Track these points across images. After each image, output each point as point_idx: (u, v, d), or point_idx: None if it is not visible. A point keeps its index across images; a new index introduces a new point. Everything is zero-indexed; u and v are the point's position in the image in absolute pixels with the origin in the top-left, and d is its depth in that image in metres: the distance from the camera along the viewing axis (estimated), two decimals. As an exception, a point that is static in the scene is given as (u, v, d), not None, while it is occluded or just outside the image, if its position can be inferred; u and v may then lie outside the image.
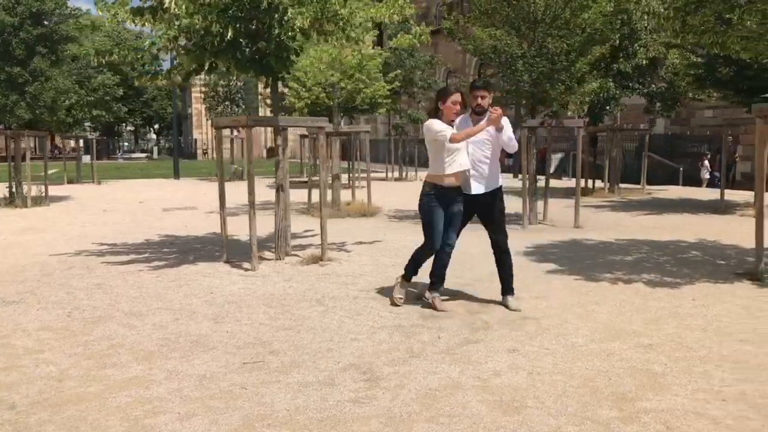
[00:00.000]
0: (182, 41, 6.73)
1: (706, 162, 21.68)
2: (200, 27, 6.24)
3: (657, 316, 5.06)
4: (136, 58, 6.93)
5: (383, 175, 25.00)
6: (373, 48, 16.44)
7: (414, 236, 9.30)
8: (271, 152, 22.88)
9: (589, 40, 9.95)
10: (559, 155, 22.21)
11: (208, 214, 12.97)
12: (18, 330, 4.87)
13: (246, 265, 7.13)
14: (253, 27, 6.64)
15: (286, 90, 20.14)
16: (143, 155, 68.87)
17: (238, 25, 6.47)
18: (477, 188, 5.18)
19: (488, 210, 5.27)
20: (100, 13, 6.60)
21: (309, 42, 7.40)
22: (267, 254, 7.74)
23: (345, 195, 13.66)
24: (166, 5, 5.89)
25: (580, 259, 7.49)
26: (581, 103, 13.42)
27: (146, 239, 9.55)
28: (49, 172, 20.87)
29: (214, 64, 6.95)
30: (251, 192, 6.91)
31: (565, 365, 3.98)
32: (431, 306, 5.30)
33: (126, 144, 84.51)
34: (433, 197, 5.13)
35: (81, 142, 26.47)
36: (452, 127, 5.11)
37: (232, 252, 7.74)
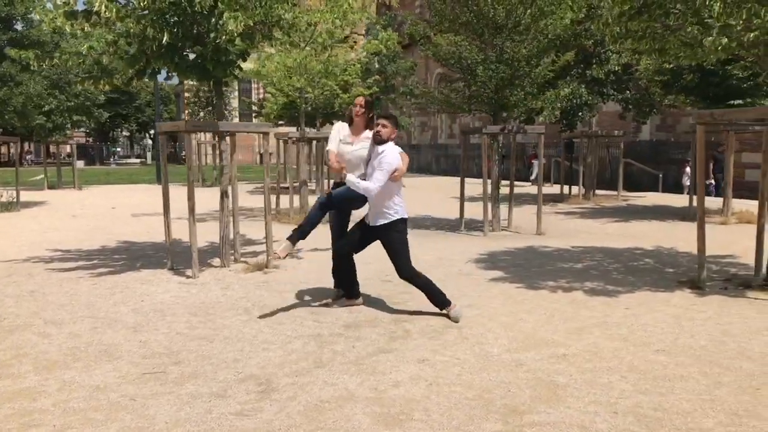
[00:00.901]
0: (125, 45, 6.66)
1: (688, 169, 21.62)
2: (134, 31, 6.18)
3: (583, 326, 4.98)
4: (78, 62, 6.85)
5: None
6: (353, 52, 16.48)
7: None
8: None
9: (551, 46, 9.91)
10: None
11: (176, 219, 12.86)
12: (-71, 339, 4.78)
13: (189, 272, 7.04)
14: (195, 31, 6.58)
15: (269, 95, 20.15)
16: (138, 160, 68.77)
17: (175, 30, 6.41)
18: (370, 220, 5.31)
19: (383, 242, 5.29)
20: (38, 17, 6.52)
21: (253, 47, 7.31)
22: (216, 261, 7.66)
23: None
24: (96, 8, 5.82)
25: (529, 267, 7.42)
26: (553, 109, 13.39)
27: (103, 245, 9.46)
28: (37, 177, 20.77)
29: (156, 68, 6.88)
30: (190, 197, 6.83)
31: (469, 376, 3.90)
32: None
33: (119, 149, 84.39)
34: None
35: (71, 147, 26.27)
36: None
37: (184, 259, 7.66)
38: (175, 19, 6.36)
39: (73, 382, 3.86)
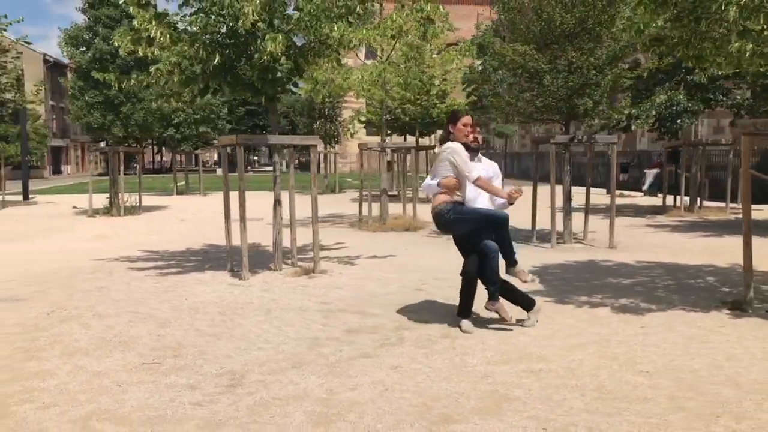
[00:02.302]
0: (188, 66, 7.33)
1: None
2: (189, 54, 6.80)
3: (581, 343, 4.88)
4: (150, 82, 7.63)
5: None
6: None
7: (434, 251, 9.41)
8: (390, 166, 23.56)
9: (625, 52, 9.55)
10: (654, 171, 20.97)
11: (268, 224, 13.69)
12: (-4, 324, 5.60)
13: (243, 274, 7.59)
14: (244, 52, 7.12)
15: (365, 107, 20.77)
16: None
17: (227, 51, 6.99)
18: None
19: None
20: (115, 42, 7.34)
21: (309, 64, 7.74)
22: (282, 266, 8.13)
23: (396, 209, 13.91)
24: (152, 35, 6.50)
25: (573, 281, 7.25)
26: (647, 117, 12.82)
27: (188, 248, 10.34)
28: (178, 184, 22.87)
29: (217, 86, 7.49)
30: (242, 204, 7.38)
31: (428, 384, 4.01)
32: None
33: (257, 158, 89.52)
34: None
35: (218, 155, 28.45)
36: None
37: (257, 262, 8.25)
38: (225, 40, 6.91)
39: (82, 368, 4.41)
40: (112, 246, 10.69)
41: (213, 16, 6.73)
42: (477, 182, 5.12)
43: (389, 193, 17.01)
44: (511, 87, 10.24)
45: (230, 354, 4.67)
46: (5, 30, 19.13)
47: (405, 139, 22.70)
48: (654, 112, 12.63)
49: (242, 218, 7.39)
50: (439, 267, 8.18)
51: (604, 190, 22.77)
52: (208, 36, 6.88)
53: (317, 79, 11.30)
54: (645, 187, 21.76)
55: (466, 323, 5.23)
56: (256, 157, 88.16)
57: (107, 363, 4.51)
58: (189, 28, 6.85)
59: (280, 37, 6.53)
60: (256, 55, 6.84)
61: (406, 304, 6.16)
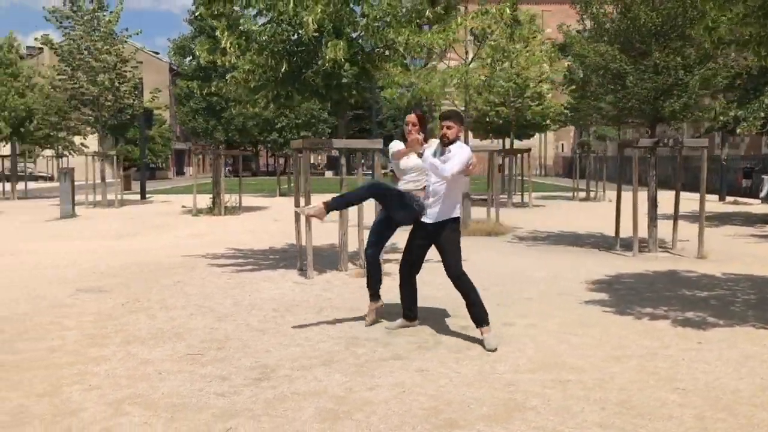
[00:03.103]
0: (261, 73, 7.68)
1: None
2: (259, 62, 7.14)
3: (624, 355, 4.68)
4: (230, 89, 8.06)
5: (570, 194, 24.13)
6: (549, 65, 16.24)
7: (506, 258, 9.26)
8: (499, 170, 23.45)
9: (713, 53, 8.96)
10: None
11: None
12: (76, 311, 6.13)
13: (311, 274, 7.84)
14: (313, 59, 7.37)
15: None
16: (382, 171, 73.66)
17: (294, 59, 7.26)
18: (425, 217, 5.15)
19: (439, 240, 5.20)
20: (198, 53, 7.82)
21: (378, 69, 7.88)
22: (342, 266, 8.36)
23: (482, 213, 13.77)
24: (222, 45, 6.88)
25: (643, 292, 6.92)
26: (755, 119, 12.00)
27: (271, 246, 10.79)
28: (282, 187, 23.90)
29: (289, 93, 7.79)
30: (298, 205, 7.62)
31: (448, 389, 4.00)
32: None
33: (362, 160, 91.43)
34: None
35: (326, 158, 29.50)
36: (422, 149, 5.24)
37: (326, 262, 8.51)
38: (293, 48, 7.19)
39: (134, 355, 4.76)
40: (205, 243, 11.33)
41: (282, 25, 6.99)
42: (394, 156, 5.29)
43: (480, 197, 16.89)
44: (594, 88, 9.88)
45: (269, 349, 4.87)
46: (125, 42, 20.76)
47: (504, 142, 22.34)
48: (762, 114, 11.71)
49: (307, 219, 7.63)
50: (505, 273, 8.07)
51: (716, 197, 21.41)
52: (279, 45, 7.16)
53: (398, 83, 11.43)
54: (762, 194, 20.19)
55: (488, 338, 4.93)
56: (363, 160, 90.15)
57: (157, 352, 4.83)
58: (259, 37, 7.16)
59: (342, 44, 6.71)
60: (319, 62, 7.06)
61: (457, 309, 6.11)
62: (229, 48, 6.87)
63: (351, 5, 7.39)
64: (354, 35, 7.52)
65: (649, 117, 9.40)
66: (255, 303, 6.44)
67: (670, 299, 6.54)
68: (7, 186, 26.32)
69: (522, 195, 21.30)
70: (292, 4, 6.67)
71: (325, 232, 10.28)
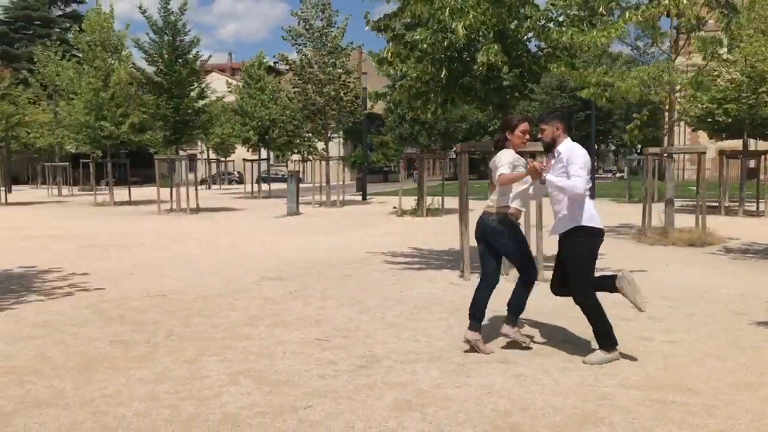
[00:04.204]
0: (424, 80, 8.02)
1: None
2: (420, 69, 7.48)
3: (763, 383, 4.14)
4: (394, 97, 8.53)
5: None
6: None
7: (694, 271, 8.47)
8: (753, 173, 21.32)
9: None
10: None
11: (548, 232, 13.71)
12: (250, 295, 7.00)
13: (468, 275, 7.98)
14: (470, 64, 7.51)
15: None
16: (618, 174, 69.24)
17: (454, 65, 7.47)
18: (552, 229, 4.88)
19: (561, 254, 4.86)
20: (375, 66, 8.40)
21: (544, 70, 7.76)
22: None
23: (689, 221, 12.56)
24: (383, 55, 7.32)
25: (840, 316, 5.92)
26: None
27: (450, 248, 11.07)
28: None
29: (452, 98, 8.03)
30: (462, 211, 7.77)
31: (535, 396, 3.94)
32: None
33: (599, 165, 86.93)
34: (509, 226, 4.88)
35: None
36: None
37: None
38: (453, 54, 7.40)
39: (273, 336, 5.36)
40: (394, 242, 11.99)
41: (439, 33, 7.24)
42: (499, 182, 4.74)
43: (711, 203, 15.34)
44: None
45: (387, 341, 5.16)
46: (350, 54, 22.51)
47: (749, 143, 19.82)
48: None
49: (462, 221, 7.77)
50: (682, 286, 7.43)
51: None
52: (439, 52, 7.42)
53: (590, 82, 10.95)
54: None
55: (605, 355, 4.60)
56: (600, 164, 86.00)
57: (293, 335, 5.40)
58: (420, 45, 7.48)
59: (494, 47, 6.75)
60: (474, 67, 7.17)
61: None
62: (390, 57, 7.30)
63: (512, 8, 7.36)
64: (518, 38, 7.48)
65: None
66: (402, 299, 6.77)
67: None
68: (259, 187, 30.02)
69: (757, 202, 18.89)
70: (448, 12, 6.87)
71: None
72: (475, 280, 7.70)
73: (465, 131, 25.57)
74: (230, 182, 53.57)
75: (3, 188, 26.06)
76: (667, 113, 13.60)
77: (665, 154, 12.10)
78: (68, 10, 64.78)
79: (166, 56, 19.69)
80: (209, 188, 43.07)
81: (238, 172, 54.47)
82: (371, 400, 3.89)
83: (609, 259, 9.71)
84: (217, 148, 39.73)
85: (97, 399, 3.95)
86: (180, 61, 19.69)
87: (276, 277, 8.17)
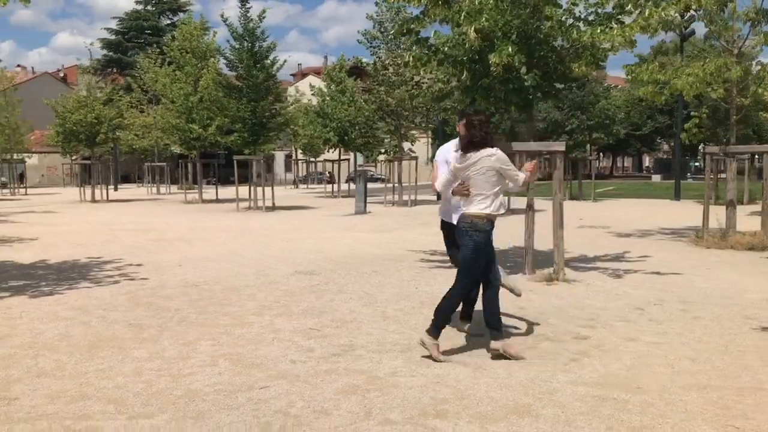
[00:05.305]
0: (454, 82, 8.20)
1: None
2: (442, 71, 7.66)
3: (721, 386, 4.08)
4: (418, 99, 8.72)
5: None
6: None
7: (734, 275, 8.14)
8: None
9: None
10: None
11: (610, 234, 13.41)
12: (274, 287, 7.43)
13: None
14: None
15: None
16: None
17: (476, 66, 7.60)
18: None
19: None
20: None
21: (569, 69, 7.73)
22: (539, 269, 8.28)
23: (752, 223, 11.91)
24: (406, 59, 7.56)
25: None
26: None
27: (497, 248, 11.08)
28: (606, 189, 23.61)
29: (474, 100, 8.14)
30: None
31: (478, 388, 4.08)
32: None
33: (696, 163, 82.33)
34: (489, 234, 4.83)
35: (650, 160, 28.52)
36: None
37: (536, 263, 8.58)
38: (473, 56, 7.53)
39: (271, 324, 5.74)
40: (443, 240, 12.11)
41: (457, 36, 7.39)
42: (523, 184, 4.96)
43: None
44: None
45: (372, 332, 5.42)
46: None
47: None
48: None
49: (529, 219, 7.89)
50: (706, 290, 7.20)
51: None
52: (460, 55, 7.57)
53: (642, 79, 10.67)
54: None
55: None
56: (697, 163, 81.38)
57: (291, 324, 5.75)
58: (441, 48, 7.65)
59: (507, 48, 6.84)
60: (491, 68, 7.26)
61: (606, 322, 5.81)
62: (411, 61, 7.52)
63: (535, 9, 7.39)
64: (542, 38, 7.51)
65: None
66: (412, 295, 6.99)
67: None
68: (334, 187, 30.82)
69: None
70: (464, 15, 7.02)
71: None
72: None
73: (542, 130, 25.25)
74: (320, 182, 55.04)
75: (104, 186, 28.20)
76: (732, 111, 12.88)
77: (722, 154, 11.53)
78: (175, 19, 68.88)
79: (245, 61, 20.69)
80: (296, 187, 44.53)
81: (329, 173, 55.94)
82: (324, 384, 4.17)
83: (652, 261, 9.48)
84: (305, 148, 41.01)
85: (89, 372, 4.46)
86: (257, 65, 20.63)
87: (308, 272, 8.58)
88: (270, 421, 3.57)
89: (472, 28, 6.74)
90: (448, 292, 4.87)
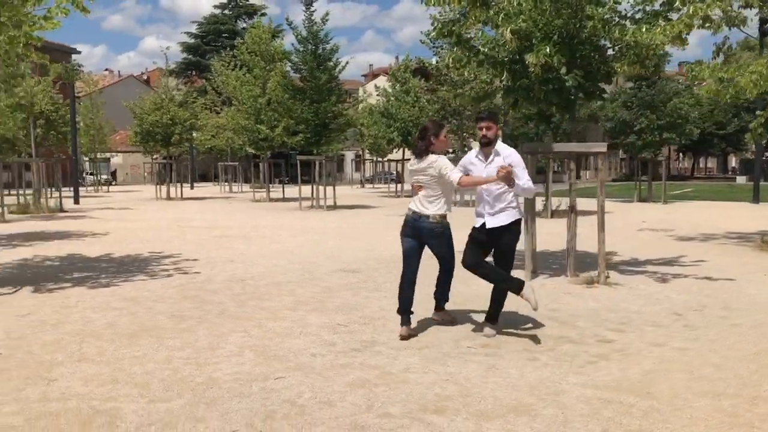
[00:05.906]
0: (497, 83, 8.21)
1: None
2: (483, 72, 7.69)
3: (737, 395, 3.98)
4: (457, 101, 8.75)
5: None
6: None
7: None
8: None
9: None
10: None
11: (670, 238, 13.01)
12: (315, 284, 7.66)
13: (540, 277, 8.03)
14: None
15: None
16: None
17: (517, 67, 7.59)
18: (490, 222, 5.31)
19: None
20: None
21: (611, 69, 7.62)
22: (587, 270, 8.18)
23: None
24: (445, 61, 7.63)
25: None
26: None
27: (561, 249, 10.99)
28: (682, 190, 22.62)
29: (516, 101, 8.12)
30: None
31: (484, 386, 4.14)
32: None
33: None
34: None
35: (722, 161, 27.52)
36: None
37: (583, 265, 8.50)
38: (513, 57, 7.53)
39: (304, 320, 5.95)
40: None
41: (496, 38, 7.41)
42: (461, 185, 5.17)
43: None
44: None
45: (395, 329, 5.51)
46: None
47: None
48: None
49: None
50: (749, 298, 6.96)
51: None
52: (501, 57, 7.58)
53: (703, 77, 10.30)
54: None
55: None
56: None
57: (322, 320, 5.95)
58: (482, 49, 7.68)
59: (546, 49, 6.81)
60: (530, 69, 7.24)
61: (637, 326, 5.71)
62: (450, 63, 7.58)
63: (578, 9, 7.32)
64: (584, 38, 7.44)
65: None
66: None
67: None
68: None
69: None
70: (502, 17, 7.03)
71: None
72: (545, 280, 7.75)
73: (609, 130, 24.58)
74: (386, 182, 55.41)
75: (180, 184, 29.45)
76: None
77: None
78: (251, 22, 71.01)
79: (308, 64, 21.15)
80: (362, 187, 45.01)
81: (397, 172, 56.23)
82: (337, 377, 4.33)
83: (707, 265, 9.17)
84: (371, 148, 41.40)
85: (125, 359, 4.79)
86: (321, 68, 21.04)
87: (351, 270, 8.77)
88: (275, 410, 3.76)
89: (508, 29, 6.75)
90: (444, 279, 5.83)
